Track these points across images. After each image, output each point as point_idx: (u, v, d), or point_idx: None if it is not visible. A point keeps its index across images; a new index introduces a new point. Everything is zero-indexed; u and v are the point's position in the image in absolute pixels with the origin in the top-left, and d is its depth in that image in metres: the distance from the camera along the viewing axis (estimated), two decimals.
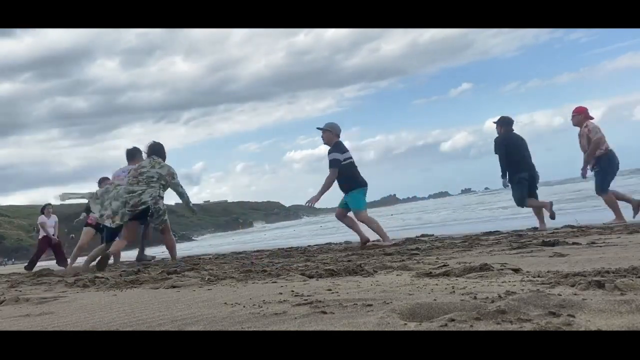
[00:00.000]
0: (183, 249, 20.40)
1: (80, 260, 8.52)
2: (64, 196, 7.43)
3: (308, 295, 2.40)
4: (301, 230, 30.78)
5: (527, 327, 1.47)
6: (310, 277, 3.35)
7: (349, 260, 4.68)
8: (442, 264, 3.57)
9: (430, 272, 3.01)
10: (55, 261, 12.45)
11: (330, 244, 9.38)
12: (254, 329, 1.81)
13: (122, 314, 2.36)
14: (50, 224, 12.15)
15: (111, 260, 8.45)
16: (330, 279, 3.20)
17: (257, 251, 9.16)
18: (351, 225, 7.29)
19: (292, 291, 2.60)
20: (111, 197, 7.06)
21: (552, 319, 1.52)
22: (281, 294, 2.56)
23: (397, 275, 3.20)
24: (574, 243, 4.63)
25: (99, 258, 7.07)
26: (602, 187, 7.74)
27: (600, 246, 4.22)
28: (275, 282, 3.25)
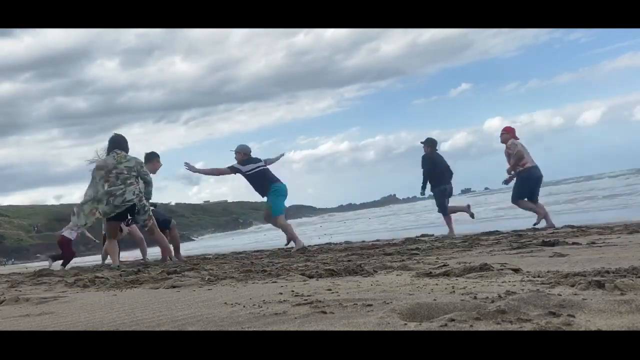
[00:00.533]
0: (183, 249, 20.29)
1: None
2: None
3: (308, 295, 2.40)
4: (303, 230, 30.71)
5: (527, 327, 1.47)
6: (310, 277, 3.35)
7: (349, 260, 4.68)
8: (442, 264, 3.58)
9: (430, 272, 3.01)
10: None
11: (330, 244, 9.39)
12: (254, 329, 1.81)
13: (122, 314, 2.36)
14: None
15: (108, 260, 8.47)
16: (330, 279, 3.20)
17: (257, 251, 9.16)
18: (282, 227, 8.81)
19: (292, 291, 2.60)
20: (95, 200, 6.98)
21: (552, 319, 1.51)
22: (281, 294, 2.56)
23: (397, 275, 3.20)
24: (574, 243, 4.63)
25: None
26: (514, 197, 9.10)
27: (600, 246, 4.22)
28: (275, 282, 3.25)
